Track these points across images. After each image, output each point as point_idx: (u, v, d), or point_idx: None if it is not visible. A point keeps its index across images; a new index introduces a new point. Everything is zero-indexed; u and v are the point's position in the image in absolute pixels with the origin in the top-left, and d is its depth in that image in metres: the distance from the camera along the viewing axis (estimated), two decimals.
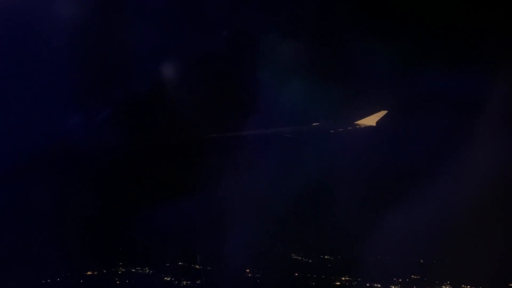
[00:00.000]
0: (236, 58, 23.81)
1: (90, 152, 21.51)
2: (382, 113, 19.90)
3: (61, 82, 20.37)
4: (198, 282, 26.06)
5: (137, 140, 23.60)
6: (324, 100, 22.93)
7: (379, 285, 25.58)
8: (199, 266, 26.10)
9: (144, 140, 23.75)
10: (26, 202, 22.61)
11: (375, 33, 23.16)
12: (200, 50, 23.20)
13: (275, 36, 23.31)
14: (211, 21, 23.07)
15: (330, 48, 24.29)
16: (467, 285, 24.78)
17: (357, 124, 19.90)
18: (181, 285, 26.06)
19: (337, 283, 26.08)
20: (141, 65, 22.00)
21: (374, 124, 19.57)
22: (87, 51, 21.34)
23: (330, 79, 23.79)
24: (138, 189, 25.91)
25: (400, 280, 25.82)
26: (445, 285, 25.15)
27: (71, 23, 19.86)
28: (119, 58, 21.89)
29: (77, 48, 20.55)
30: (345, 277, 26.35)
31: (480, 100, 23.24)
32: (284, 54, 23.06)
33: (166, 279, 26.51)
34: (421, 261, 27.09)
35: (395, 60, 22.84)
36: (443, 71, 23.15)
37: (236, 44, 23.79)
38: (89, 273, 26.22)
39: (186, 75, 23.33)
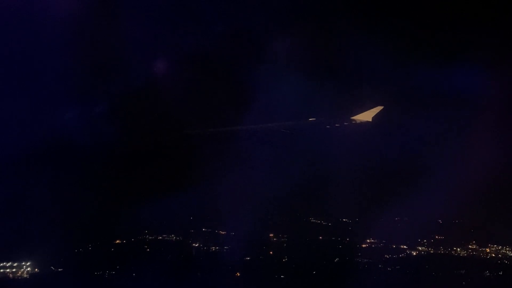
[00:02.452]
0: (233, 54, 23.61)
1: (97, 142, 21.60)
2: (378, 108, 19.90)
3: (58, 78, 20.13)
4: (227, 248, 26.54)
5: (135, 133, 23.80)
6: (321, 96, 23.02)
7: (405, 247, 26.16)
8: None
9: (143, 134, 23.97)
10: (51, 187, 22.98)
11: (372, 30, 22.90)
12: (197, 45, 22.91)
13: (273, 32, 23.12)
14: (209, 17, 22.68)
15: (326, 44, 24.04)
16: (493, 244, 25.44)
17: (354, 120, 19.88)
18: (210, 250, 26.58)
19: (363, 245, 26.60)
20: (139, 61, 21.81)
21: (370, 120, 19.58)
22: (85, 47, 21.02)
23: (326, 75, 23.95)
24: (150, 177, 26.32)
25: (425, 241, 26.39)
26: (471, 245, 25.79)
27: (68, 18, 19.38)
28: (118, 54, 21.58)
29: (75, 44, 20.19)
30: (369, 239, 26.85)
31: (475, 96, 23.38)
32: (281, 51, 22.89)
33: (195, 245, 27.04)
34: (440, 221, 27.50)
35: (391, 57, 22.82)
36: (438, 67, 23.05)
37: (233, 40, 23.48)
38: (118, 241, 26.67)
39: (184, 71, 23.20)
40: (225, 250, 26.37)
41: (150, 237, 27.15)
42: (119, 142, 22.62)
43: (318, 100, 22.98)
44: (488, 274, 24.24)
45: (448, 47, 24.49)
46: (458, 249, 25.80)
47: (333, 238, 27.61)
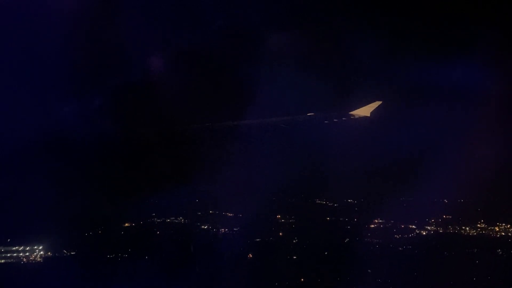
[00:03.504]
0: (232, 48, 23.46)
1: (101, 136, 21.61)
2: (377, 103, 19.94)
3: (56, 72, 19.89)
4: (236, 229, 26.64)
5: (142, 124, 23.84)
6: (319, 90, 22.99)
7: (414, 226, 26.36)
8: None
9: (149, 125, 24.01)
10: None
11: (370, 25, 22.79)
12: (196, 39, 22.70)
13: (271, 28, 22.91)
14: (207, 11, 22.46)
15: (325, 39, 23.97)
16: (502, 223, 25.70)
17: (352, 115, 19.94)
18: (220, 232, 26.69)
19: (372, 226, 26.77)
20: (138, 55, 21.64)
21: (369, 115, 19.65)
22: (85, 41, 20.74)
23: (325, 70, 23.67)
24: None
25: (433, 220, 26.57)
26: (479, 224, 26.04)
27: (65, 12, 19.06)
28: (117, 50, 21.33)
29: (74, 38, 19.91)
30: (377, 219, 27.01)
31: (475, 89, 23.38)
32: (279, 45, 22.77)
33: (203, 228, 27.13)
34: (446, 201, 27.63)
35: (389, 51, 22.72)
36: (436, 62, 23.05)
37: (232, 35, 23.30)
38: (127, 224, 26.73)
39: (183, 64, 23.06)
40: (234, 232, 26.52)
41: (159, 220, 27.20)
42: (127, 131, 22.63)
43: (316, 96, 23.03)
44: (500, 252, 24.63)
45: (448, 43, 24.32)
46: (467, 228, 26.04)
47: (341, 219, 27.70)
